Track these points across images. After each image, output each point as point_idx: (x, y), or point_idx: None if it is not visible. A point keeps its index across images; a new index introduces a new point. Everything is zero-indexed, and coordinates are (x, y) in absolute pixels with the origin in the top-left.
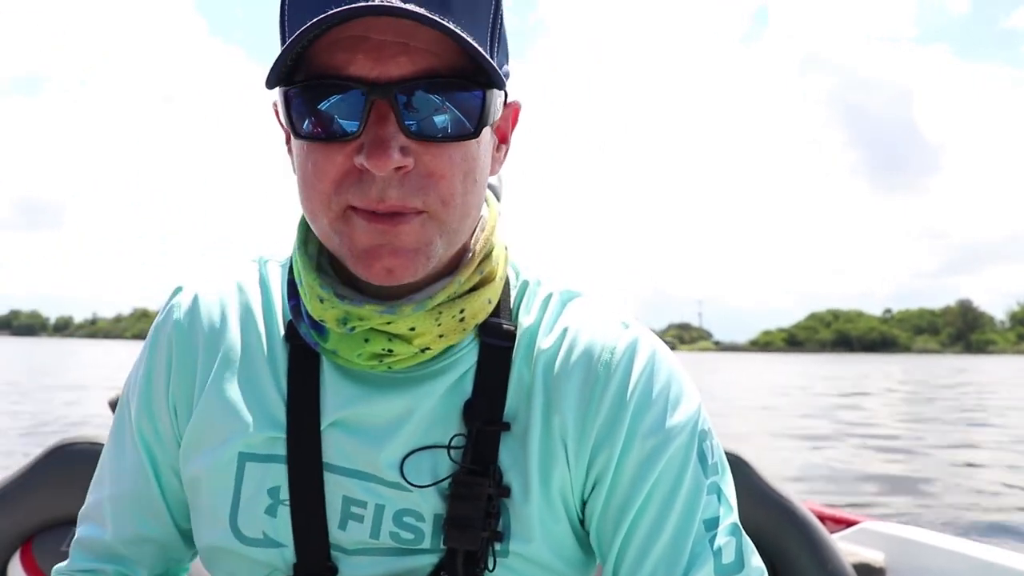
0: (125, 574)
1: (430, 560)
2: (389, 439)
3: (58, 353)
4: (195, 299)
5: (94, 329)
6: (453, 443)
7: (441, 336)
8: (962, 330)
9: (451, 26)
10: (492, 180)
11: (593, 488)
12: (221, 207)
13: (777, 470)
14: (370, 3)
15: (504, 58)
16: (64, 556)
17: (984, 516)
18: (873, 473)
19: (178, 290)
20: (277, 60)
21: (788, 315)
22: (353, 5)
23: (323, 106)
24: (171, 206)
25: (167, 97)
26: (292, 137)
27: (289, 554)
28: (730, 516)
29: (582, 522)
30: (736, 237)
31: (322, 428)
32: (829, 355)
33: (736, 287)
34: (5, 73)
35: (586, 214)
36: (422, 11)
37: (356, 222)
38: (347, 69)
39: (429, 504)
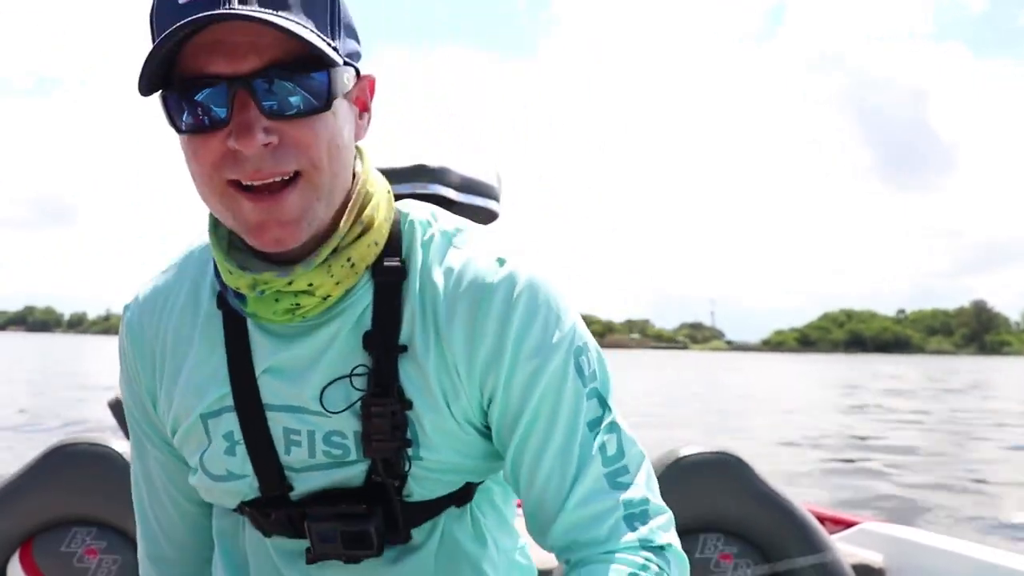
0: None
1: (361, 468)
2: (309, 377)
3: (71, 349)
4: (138, 301)
5: (108, 325)
6: (357, 371)
7: (337, 283)
8: (976, 331)
9: (285, 23)
10: (490, 179)
11: (488, 404)
12: None
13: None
14: (213, 12)
15: (350, 36)
16: (64, 556)
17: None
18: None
19: (129, 301)
20: (143, 67)
21: (801, 315)
22: (200, 15)
23: (194, 103)
24: (187, 204)
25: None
26: (176, 133)
27: (252, 481)
28: (609, 415)
29: (485, 423)
30: (749, 236)
31: (258, 376)
32: (842, 355)
33: (749, 286)
34: (21, 73)
35: (599, 212)
36: (259, 13)
37: (241, 202)
38: (209, 68)
39: (348, 424)
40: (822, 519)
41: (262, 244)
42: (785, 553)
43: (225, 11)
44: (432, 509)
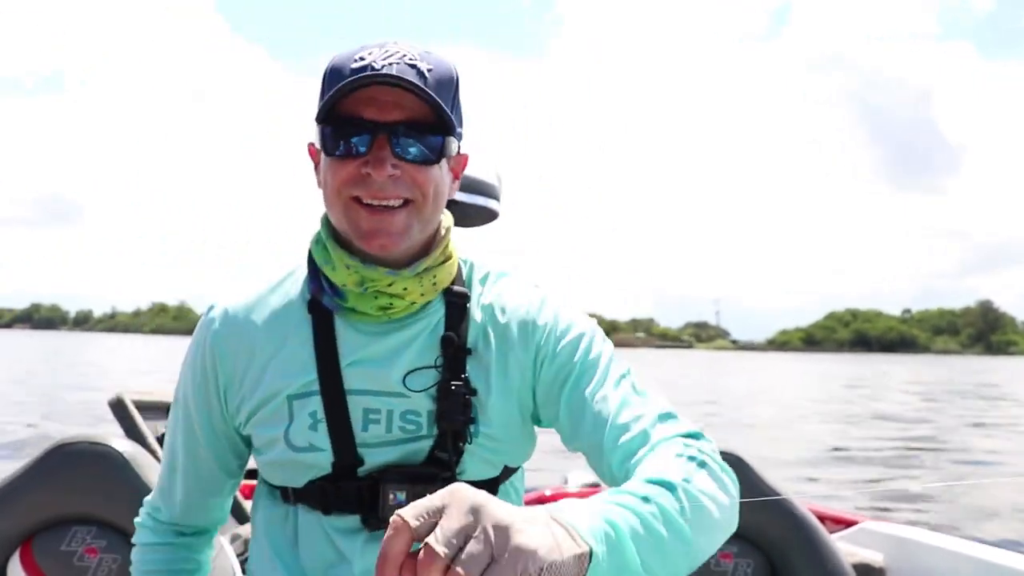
0: (188, 543)
1: (427, 443)
2: (392, 366)
3: (77, 347)
4: (227, 312)
5: (113, 323)
6: (437, 363)
7: (422, 294)
8: (982, 331)
9: (426, 90)
10: (490, 179)
11: (540, 370)
12: (243, 205)
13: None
14: (384, 73)
15: (459, 122)
16: (64, 555)
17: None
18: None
19: (211, 307)
20: (322, 105)
21: (806, 314)
22: (377, 73)
23: (346, 136)
24: (192, 203)
25: (187, 94)
26: (324, 156)
27: (328, 455)
28: (631, 372)
29: (535, 405)
30: (754, 236)
31: (343, 367)
32: (847, 355)
33: (754, 286)
34: (25, 71)
35: (602, 211)
36: (408, 79)
37: (360, 213)
38: (363, 113)
39: (423, 405)
40: (822, 518)
41: (370, 247)
42: (786, 552)
43: (391, 74)
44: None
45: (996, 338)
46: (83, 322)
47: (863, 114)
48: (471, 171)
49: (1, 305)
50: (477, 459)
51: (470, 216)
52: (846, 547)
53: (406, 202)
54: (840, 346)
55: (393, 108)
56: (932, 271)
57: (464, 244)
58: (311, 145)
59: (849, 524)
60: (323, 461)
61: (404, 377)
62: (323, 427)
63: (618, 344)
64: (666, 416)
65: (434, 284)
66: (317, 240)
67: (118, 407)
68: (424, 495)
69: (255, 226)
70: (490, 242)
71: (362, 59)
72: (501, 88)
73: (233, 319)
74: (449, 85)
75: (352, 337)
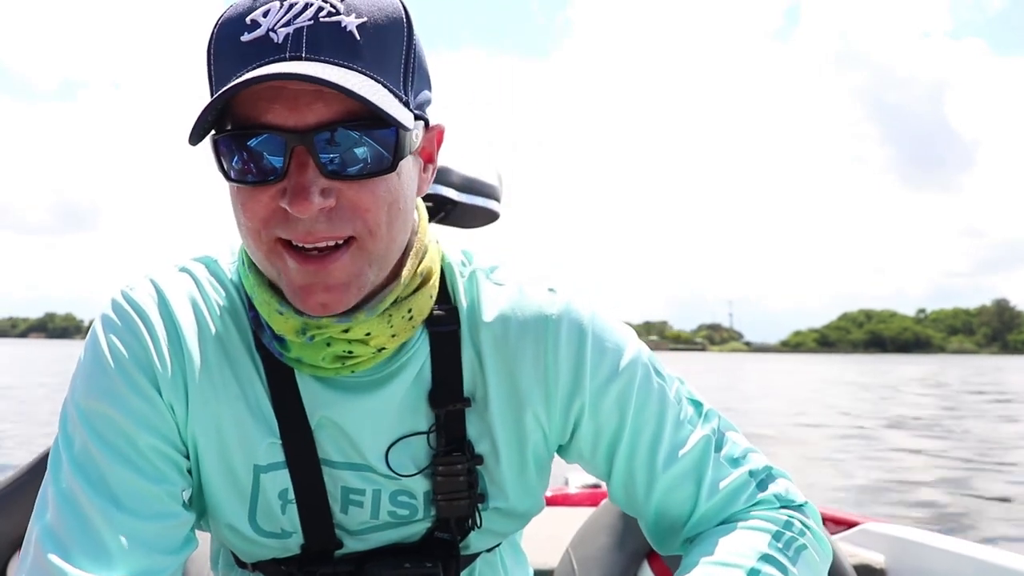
0: None
1: (424, 525)
2: (373, 435)
3: None
4: (161, 295)
5: None
6: (425, 429)
7: (394, 336)
8: (998, 330)
9: (355, 82)
10: (491, 179)
11: (573, 433)
12: None
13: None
14: (278, 70)
15: (423, 84)
16: None
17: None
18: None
19: (131, 287)
20: (199, 117)
21: (819, 315)
22: (265, 72)
23: (247, 153)
24: (205, 211)
25: (203, 102)
26: (224, 179)
27: (298, 538)
28: (697, 404)
29: (558, 451)
30: (767, 237)
31: (313, 428)
32: (862, 356)
33: (767, 287)
34: (43, 76)
35: (616, 213)
36: (326, 70)
37: (288, 261)
38: (267, 118)
39: (418, 484)
40: (823, 519)
41: (306, 308)
42: None
43: (290, 70)
44: (468, 561)
45: (1012, 337)
46: None
47: (875, 112)
48: (471, 171)
49: (16, 314)
50: (484, 533)
51: (470, 217)
52: (847, 548)
53: (348, 240)
54: (854, 347)
55: (314, 100)
56: (946, 270)
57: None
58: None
59: (850, 525)
60: (292, 545)
61: (387, 453)
62: (292, 509)
63: None
64: (766, 480)
65: (409, 319)
66: (243, 260)
67: None
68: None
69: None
70: (500, 246)
71: (255, 24)
72: (517, 89)
73: (175, 308)
74: (397, 35)
75: (314, 390)
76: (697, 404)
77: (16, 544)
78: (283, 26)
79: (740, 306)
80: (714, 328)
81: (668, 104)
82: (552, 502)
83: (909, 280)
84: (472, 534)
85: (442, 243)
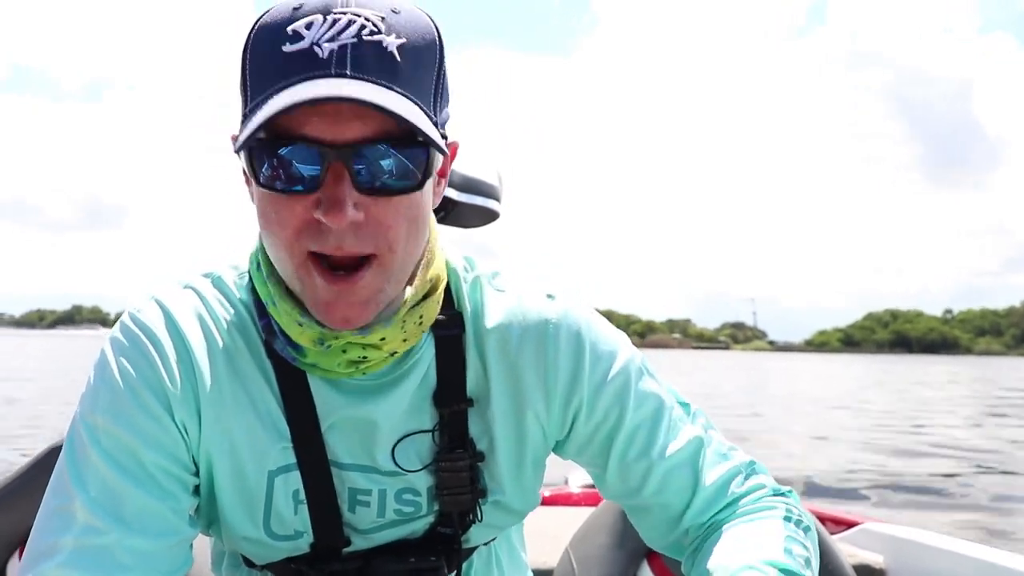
0: None
1: (427, 521)
2: (379, 435)
3: None
4: (169, 315)
5: None
6: (429, 428)
7: (405, 340)
8: None
9: (397, 104)
10: (491, 179)
11: (570, 430)
12: None
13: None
14: (338, 96)
15: (445, 102)
16: None
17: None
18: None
19: (139, 310)
20: (250, 131)
21: (844, 315)
22: (322, 94)
23: (283, 162)
24: (229, 208)
25: (227, 99)
26: (254, 184)
27: (309, 538)
28: (685, 404)
29: (554, 449)
30: (791, 235)
31: (323, 431)
32: (887, 356)
33: (791, 286)
34: (70, 75)
35: (641, 211)
36: (371, 91)
37: (316, 278)
38: (306, 130)
39: (422, 481)
40: (823, 519)
41: (330, 322)
42: None
43: (341, 92)
44: (469, 553)
45: None
46: None
47: (901, 109)
48: (471, 171)
49: (44, 307)
50: (484, 527)
51: (470, 217)
52: (847, 548)
53: (369, 257)
54: (879, 347)
55: (354, 118)
56: (974, 269)
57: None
58: (233, 137)
59: (850, 525)
60: (303, 544)
61: (393, 450)
62: (304, 509)
63: (655, 345)
64: (752, 472)
65: (419, 324)
66: (258, 266)
67: None
68: (422, 571)
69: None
70: (525, 245)
71: (298, 35)
72: (539, 87)
73: (183, 327)
74: (431, 57)
75: (326, 393)
76: (685, 405)
77: (16, 544)
78: (327, 41)
79: (764, 305)
80: (738, 327)
81: (694, 102)
82: (552, 502)
83: (935, 279)
84: (472, 528)
85: (445, 249)
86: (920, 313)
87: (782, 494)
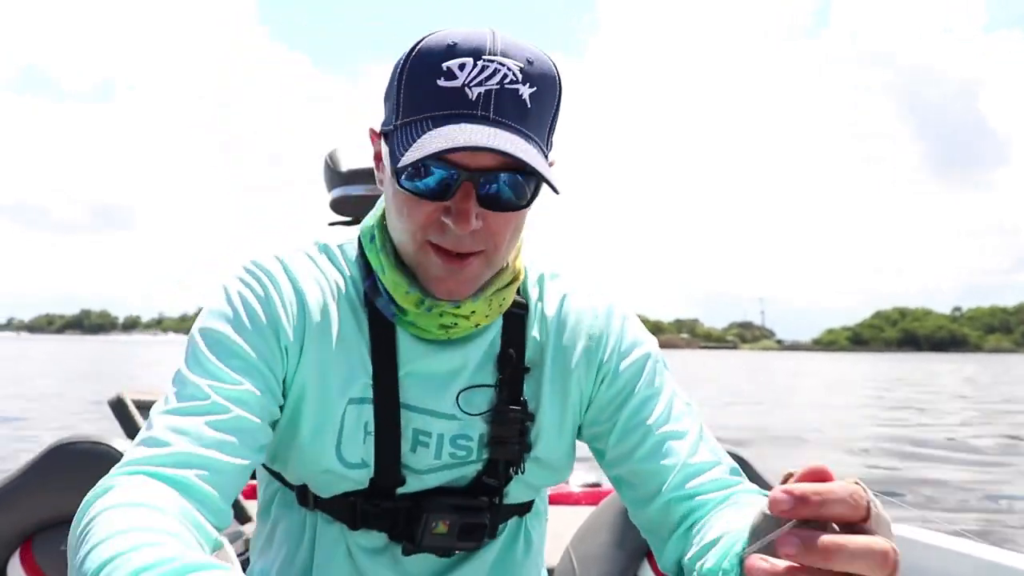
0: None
1: (475, 468)
2: (449, 384)
3: (125, 351)
4: (286, 265)
5: (160, 328)
6: (491, 383)
7: (487, 316)
8: None
9: (524, 140)
10: None
11: (596, 392)
12: (289, 212)
13: None
14: (485, 146)
15: (554, 131)
16: (64, 555)
17: None
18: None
19: (261, 264)
20: (416, 158)
21: (852, 314)
22: (468, 144)
23: (426, 175)
24: (239, 208)
25: (230, 101)
26: (391, 177)
27: (369, 471)
28: (689, 401)
29: (579, 430)
30: (799, 234)
31: (399, 376)
32: (896, 354)
33: (799, 285)
34: (80, 79)
35: (648, 211)
36: (507, 133)
37: (433, 258)
38: (449, 154)
39: (476, 429)
40: None
41: (438, 293)
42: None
43: (487, 142)
44: (507, 514)
45: None
46: (131, 327)
47: (908, 108)
48: None
49: (53, 311)
50: (522, 484)
51: None
52: None
53: (478, 252)
54: (888, 345)
55: (486, 153)
56: (983, 267)
57: None
58: (373, 132)
59: None
60: (363, 477)
61: (458, 397)
62: (371, 441)
63: (662, 345)
64: (733, 469)
65: (500, 305)
66: (371, 238)
67: (118, 407)
68: (476, 522)
69: (300, 230)
70: (531, 244)
71: (452, 74)
72: None
73: (297, 288)
74: (552, 99)
75: (410, 346)
76: (688, 403)
77: (16, 544)
78: (476, 85)
79: (772, 304)
80: (745, 326)
81: (702, 102)
82: (552, 501)
83: (944, 278)
84: (512, 483)
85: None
86: (929, 311)
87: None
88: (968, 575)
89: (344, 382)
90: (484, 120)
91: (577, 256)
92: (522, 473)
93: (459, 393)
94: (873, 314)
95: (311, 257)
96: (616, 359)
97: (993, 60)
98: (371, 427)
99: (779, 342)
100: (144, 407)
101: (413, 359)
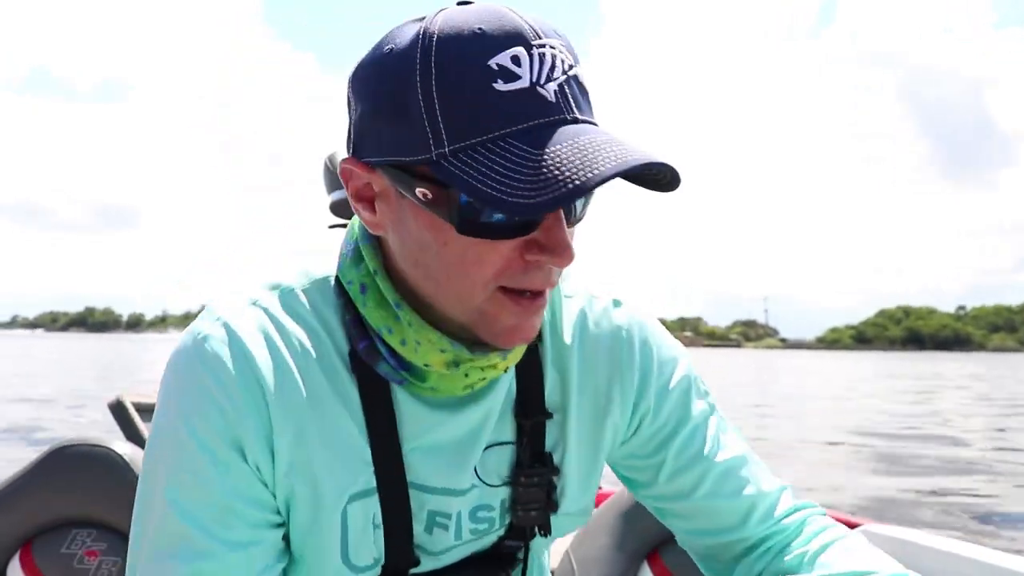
0: None
1: (497, 535)
2: (463, 453)
3: (132, 348)
4: (236, 341)
5: (164, 326)
6: (510, 440)
7: (512, 356)
8: None
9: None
10: None
11: (634, 434)
12: (289, 212)
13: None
14: (650, 163)
15: None
16: (64, 558)
17: None
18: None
19: (202, 335)
20: (545, 200)
21: (856, 312)
22: (634, 163)
23: (503, 215)
24: (240, 208)
25: (231, 101)
26: (455, 231)
27: (381, 562)
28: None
29: (612, 452)
30: (803, 233)
31: (405, 453)
32: (900, 353)
33: (803, 283)
34: (85, 79)
35: (649, 211)
36: (609, 137)
37: (507, 307)
38: None
39: (497, 496)
40: None
41: (509, 343)
42: None
43: (634, 161)
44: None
45: None
46: (135, 325)
47: (913, 107)
48: None
49: (57, 309)
50: (547, 538)
51: None
52: None
53: None
54: (892, 344)
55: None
56: (987, 266)
57: None
58: (358, 164)
59: (850, 527)
60: (376, 571)
61: (475, 464)
62: (379, 533)
63: None
64: (784, 486)
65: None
66: (362, 289)
67: (117, 409)
68: None
69: (304, 230)
70: None
71: (510, 73)
72: None
73: (253, 369)
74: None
75: (415, 412)
76: (722, 418)
77: (16, 546)
78: (546, 80)
79: (775, 303)
80: (749, 325)
81: (703, 102)
82: None
83: (948, 277)
84: (535, 540)
85: None
86: (933, 310)
87: (821, 514)
88: None
89: (339, 478)
90: (575, 123)
91: (580, 256)
92: (550, 534)
93: (477, 457)
94: (877, 312)
95: (268, 312)
96: (655, 391)
97: (998, 59)
98: (378, 519)
99: (783, 340)
100: (144, 409)
101: (420, 431)
